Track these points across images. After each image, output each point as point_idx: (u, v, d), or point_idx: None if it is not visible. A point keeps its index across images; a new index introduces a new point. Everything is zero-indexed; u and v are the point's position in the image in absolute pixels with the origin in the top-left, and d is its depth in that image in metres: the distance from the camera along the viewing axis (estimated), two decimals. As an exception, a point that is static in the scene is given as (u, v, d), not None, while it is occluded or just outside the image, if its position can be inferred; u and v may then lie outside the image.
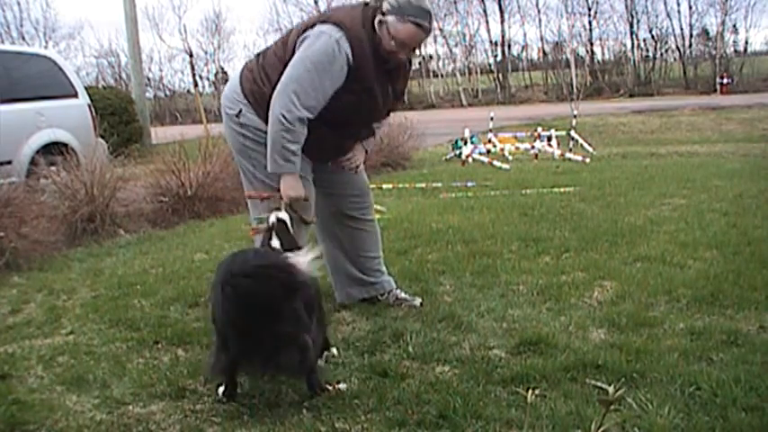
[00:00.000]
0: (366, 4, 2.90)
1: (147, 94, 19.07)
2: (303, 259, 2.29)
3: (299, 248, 2.62)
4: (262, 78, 2.95)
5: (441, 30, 33.84)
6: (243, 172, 3.13)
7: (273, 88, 2.84)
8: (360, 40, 2.81)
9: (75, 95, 7.44)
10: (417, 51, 2.97)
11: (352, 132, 3.08)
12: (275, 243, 2.66)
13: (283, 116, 2.76)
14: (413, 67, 3.19)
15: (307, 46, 2.81)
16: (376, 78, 2.89)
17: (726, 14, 31.02)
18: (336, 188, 3.24)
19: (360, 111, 2.94)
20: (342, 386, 2.44)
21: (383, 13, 2.82)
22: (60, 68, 7.49)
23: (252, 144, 3.00)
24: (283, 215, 2.78)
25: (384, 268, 3.40)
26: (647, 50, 33.10)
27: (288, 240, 2.69)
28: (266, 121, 2.86)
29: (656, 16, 32.62)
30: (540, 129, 11.87)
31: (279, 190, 2.89)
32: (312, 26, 2.85)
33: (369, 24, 2.83)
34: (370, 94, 2.90)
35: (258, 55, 3.09)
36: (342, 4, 3.20)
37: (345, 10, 2.94)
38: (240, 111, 2.99)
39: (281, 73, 2.83)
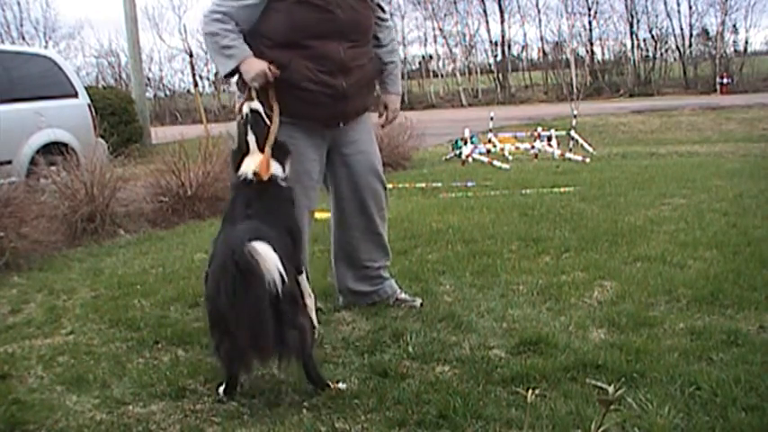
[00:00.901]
0: None
1: (147, 94, 19.06)
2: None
3: (276, 142, 2.68)
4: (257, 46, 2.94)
5: (441, 30, 33.88)
6: None
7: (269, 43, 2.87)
8: None
9: (75, 95, 7.44)
10: None
11: (327, 56, 2.89)
12: (251, 138, 2.67)
13: (206, 24, 2.85)
14: None
15: None
16: None
17: (726, 14, 31.05)
18: (355, 165, 3.16)
19: (314, 23, 2.84)
20: (342, 386, 2.44)
21: None
22: (60, 68, 7.49)
23: None
24: (256, 105, 2.75)
25: (387, 273, 3.39)
26: (647, 50, 33.11)
27: (262, 132, 2.69)
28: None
29: (656, 16, 32.63)
30: (540, 129, 11.88)
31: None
32: None
33: None
34: (324, 7, 2.83)
35: None
36: None
37: None
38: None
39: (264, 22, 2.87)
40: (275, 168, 2.67)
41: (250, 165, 2.65)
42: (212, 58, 2.92)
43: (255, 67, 2.80)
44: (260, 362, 2.37)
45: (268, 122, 2.74)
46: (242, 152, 2.70)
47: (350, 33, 2.94)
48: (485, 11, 33.61)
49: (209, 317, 2.37)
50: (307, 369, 2.39)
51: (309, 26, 2.85)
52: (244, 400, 2.41)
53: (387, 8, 3.22)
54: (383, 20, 3.17)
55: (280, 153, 2.72)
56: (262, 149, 2.67)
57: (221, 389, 2.43)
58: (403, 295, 3.35)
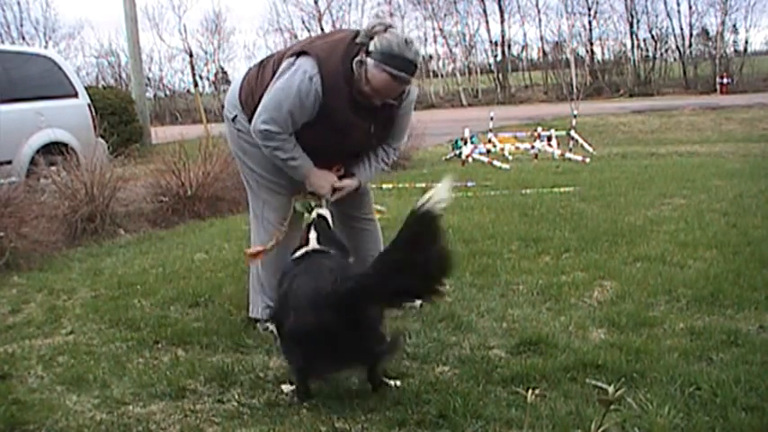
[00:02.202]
0: (356, 35, 2.79)
1: (147, 94, 19.07)
2: None
3: (340, 246, 2.72)
4: (255, 93, 2.94)
5: (441, 30, 33.87)
6: (242, 170, 3.16)
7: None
8: (334, 76, 2.73)
9: (75, 95, 7.45)
10: (401, 96, 2.87)
11: (334, 159, 2.98)
12: (312, 237, 2.68)
13: (262, 138, 2.82)
14: (405, 111, 2.99)
15: (283, 76, 2.79)
16: (349, 116, 2.80)
17: (726, 14, 31.02)
18: None
19: (329, 141, 2.87)
20: (392, 382, 2.45)
21: (367, 53, 2.69)
22: (60, 68, 7.49)
23: (249, 146, 3.02)
24: (325, 212, 2.83)
25: None
26: (647, 50, 33.08)
27: (327, 237, 2.71)
28: None
29: (656, 16, 32.60)
30: (540, 129, 11.87)
31: (278, 182, 2.97)
32: (297, 54, 2.81)
33: (349, 62, 2.74)
34: (341, 131, 2.84)
35: (261, 63, 3.06)
36: (334, 31, 3.09)
37: (331, 42, 2.84)
38: (236, 116, 3.03)
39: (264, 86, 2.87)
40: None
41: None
42: (272, 157, 2.90)
43: (325, 182, 2.90)
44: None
45: (332, 225, 2.82)
46: (301, 243, 2.72)
47: (360, 150, 3.03)
48: (485, 11, 33.62)
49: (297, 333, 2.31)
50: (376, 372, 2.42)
51: (334, 146, 2.91)
52: (244, 400, 2.41)
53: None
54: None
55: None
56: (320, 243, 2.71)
57: (290, 390, 2.41)
58: None
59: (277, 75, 2.83)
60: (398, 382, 2.46)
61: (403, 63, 2.68)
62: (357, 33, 2.79)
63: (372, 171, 3.08)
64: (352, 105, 2.79)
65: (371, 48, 2.69)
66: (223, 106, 3.18)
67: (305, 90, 2.73)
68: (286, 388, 2.46)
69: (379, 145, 3.05)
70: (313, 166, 2.90)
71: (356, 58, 2.72)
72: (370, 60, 2.68)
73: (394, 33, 2.71)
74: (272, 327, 2.98)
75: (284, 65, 2.83)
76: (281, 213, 3.04)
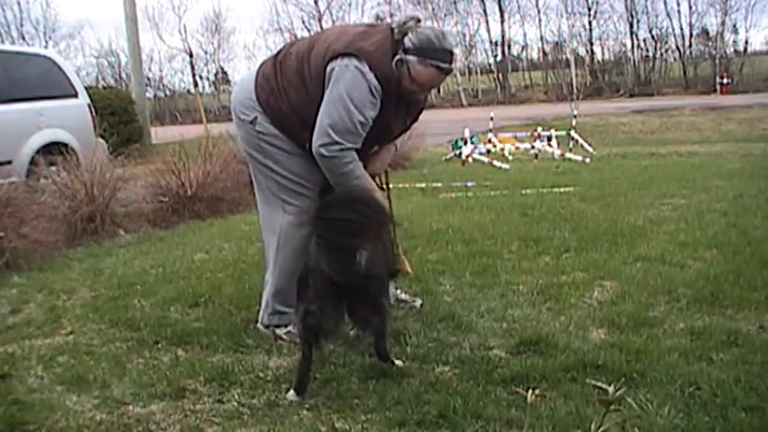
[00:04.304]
0: (391, 30, 2.76)
1: (147, 94, 19.06)
2: None
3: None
4: (280, 93, 2.85)
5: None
6: (259, 169, 3.01)
7: (292, 107, 2.82)
8: (387, 78, 2.72)
9: (75, 95, 7.44)
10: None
11: (368, 151, 2.96)
12: None
13: (323, 152, 2.72)
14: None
15: (337, 83, 2.70)
16: (395, 114, 2.82)
17: (726, 14, 31.06)
18: None
19: (374, 140, 2.87)
20: (399, 363, 2.60)
21: (405, 51, 2.69)
22: (60, 68, 7.49)
23: (269, 147, 2.92)
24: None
25: None
26: (647, 50, 33.11)
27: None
28: (284, 132, 2.87)
29: (656, 16, 32.63)
30: (540, 129, 11.87)
31: (303, 183, 2.93)
32: (340, 55, 2.71)
33: (392, 62, 2.73)
34: (387, 130, 2.87)
35: (276, 59, 2.95)
36: (367, 27, 2.91)
37: (377, 42, 2.76)
38: (256, 118, 2.90)
39: (302, 92, 2.80)
40: None
41: None
42: (335, 181, 2.81)
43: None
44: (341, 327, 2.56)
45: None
46: None
47: (393, 140, 3.06)
48: (485, 11, 33.66)
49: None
50: (380, 348, 2.59)
51: (375, 140, 2.89)
52: (244, 400, 2.41)
53: None
54: None
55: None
56: None
57: (290, 394, 2.43)
58: (403, 296, 3.35)
59: (331, 80, 2.72)
60: (401, 362, 2.58)
61: (445, 54, 2.72)
62: (392, 30, 2.77)
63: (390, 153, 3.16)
64: (398, 103, 2.81)
65: (408, 44, 2.70)
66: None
67: (375, 90, 2.69)
68: (290, 395, 2.43)
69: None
70: (371, 181, 2.86)
71: (395, 57, 2.72)
72: (411, 57, 2.69)
73: (428, 26, 2.76)
74: (280, 332, 3.00)
75: (333, 66, 2.71)
76: (301, 214, 2.95)
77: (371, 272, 2.41)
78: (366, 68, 2.68)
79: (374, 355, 2.72)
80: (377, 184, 3.00)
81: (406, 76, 2.72)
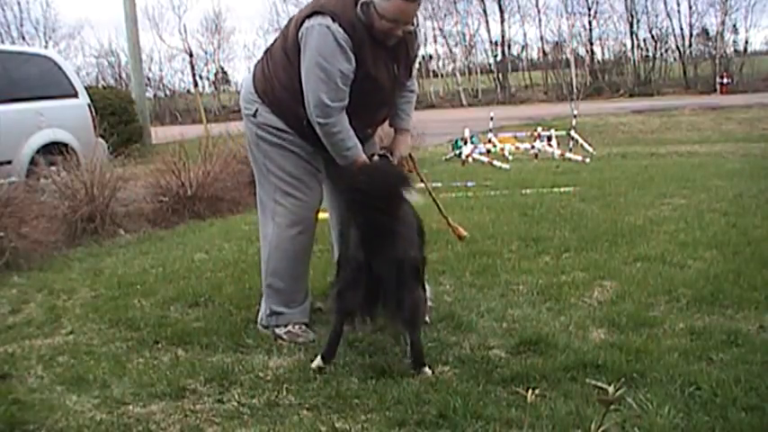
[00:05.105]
0: None
1: (147, 94, 19.04)
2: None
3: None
4: (272, 78, 2.95)
5: (441, 30, 33.87)
6: (258, 167, 3.10)
7: (283, 86, 2.88)
8: (353, 25, 2.74)
9: (75, 95, 7.44)
10: (414, 21, 2.88)
11: (367, 117, 3.00)
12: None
13: (320, 121, 2.79)
14: (417, 38, 3.01)
15: (307, 45, 2.78)
16: (375, 62, 2.82)
17: (726, 14, 31.00)
18: None
19: (365, 96, 2.86)
20: (428, 370, 2.56)
21: None
22: (60, 68, 7.49)
23: (267, 144, 3.00)
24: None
25: None
26: (647, 50, 33.06)
27: None
28: (282, 119, 2.93)
29: (656, 16, 32.55)
30: (540, 129, 11.86)
31: (292, 181, 2.98)
32: (306, 18, 2.79)
33: (360, 10, 2.75)
34: (370, 79, 2.83)
35: (266, 52, 3.08)
36: None
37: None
38: (257, 110, 3.00)
39: (288, 68, 2.85)
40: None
41: None
42: (329, 147, 2.88)
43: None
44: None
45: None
46: None
47: (392, 102, 3.05)
48: (485, 11, 33.59)
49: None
50: (414, 342, 2.60)
51: (366, 99, 2.88)
52: (244, 400, 2.41)
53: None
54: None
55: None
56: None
57: (316, 362, 2.61)
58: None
59: (302, 45, 2.79)
60: (429, 371, 2.57)
61: None
62: None
63: (410, 113, 3.18)
64: (375, 50, 2.80)
65: None
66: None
67: (341, 39, 2.71)
68: (316, 362, 2.61)
69: (400, 91, 3.07)
70: (360, 154, 2.88)
71: (359, 4, 2.74)
72: None
73: None
74: (279, 332, 3.00)
75: (301, 31, 2.79)
76: (292, 215, 3.01)
77: (406, 254, 2.58)
78: (329, 21, 2.73)
79: (374, 355, 2.73)
80: (407, 169, 3.13)
81: (375, 17, 2.73)
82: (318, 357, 2.62)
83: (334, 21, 2.72)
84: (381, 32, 2.77)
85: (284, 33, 2.96)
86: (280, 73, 2.91)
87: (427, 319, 3.02)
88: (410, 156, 3.24)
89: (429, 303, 3.04)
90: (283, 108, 2.92)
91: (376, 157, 2.97)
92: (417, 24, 2.96)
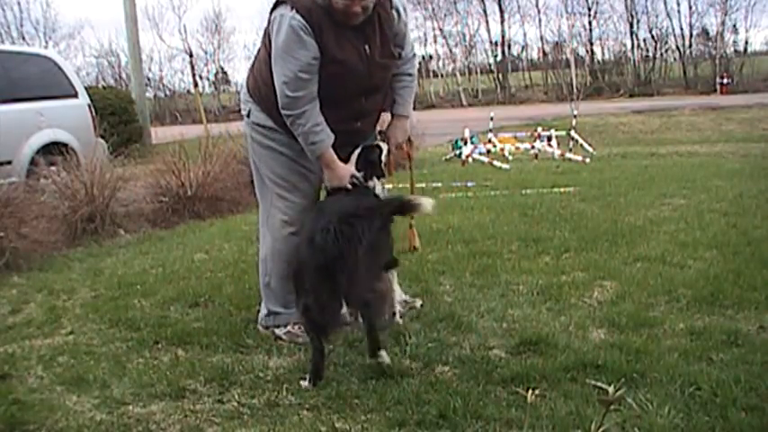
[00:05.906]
0: None
1: (147, 94, 19.04)
2: None
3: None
4: (259, 76, 2.98)
5: (441, 30, 33.86)
6: (254, 169, 3.16)
7: (265, 82, 2.90)
8: (308, 9, 2.73)
9: (75, 95, 7.44)
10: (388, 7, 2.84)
11: (349, 107, 2.94)
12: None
13: (285, 112, 2.81)
14: (401, 16, 2.94)
15: (272, 38, 2.79)
16: (340, 45, 2.78)
17: (726, 14, 30.97)
18: None
19: (335, 81, 2.82)
20: (386, 358, 2.57)
21: None
22: (60, 68, 7.49)
23: (259, 147, 3.05)
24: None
25: None
26: (647, 50, 33.03)
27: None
28: (271, 117, 2.94)
29: (656, 16, 32.52)
30: (540, 129, 11.85)
31: (283, 183, 3.01)
32: (273, 8, 2.81)
33: None
34: (337, 63, 2.79)
35: (255, 57, 3.11)
36: None
37: None
38: (250, 110, 3.05)
39: (269, 63, 2.85)
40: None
41: None
42: (298, 137, 2.87)
43: (338, 176, 2.90)
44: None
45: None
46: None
47: (376, 88, 2.98)
48: (485, 11, 33.56)
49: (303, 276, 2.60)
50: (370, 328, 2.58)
51: (340, 84, 2.85)
52: (244, 400, 2.41)
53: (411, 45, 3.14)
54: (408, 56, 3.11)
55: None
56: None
57: (304, 382, 2.52)
58: (403, 296, 3.35)
59: (271, 42, 2.81)
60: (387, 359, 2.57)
61: None
62: None
63: (407, 98, 3.12)
64: (339, 32, 2.77)
65: None
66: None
67: (296, 27, 2.70)
68: (304, 384, 2.51)
69: (391, 71, 3.00)
70: (331, 150, 2.86)
71: None
72: None
73: None
74: (279, 332, 3.00)
75: (270, 27, 2.81)
76: (284, 216, 3.02)
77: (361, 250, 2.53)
78: (287, 10, 2.73)
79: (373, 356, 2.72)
80: (385, 168, 3.08)
81: None
82: (307, 381, 2.51)
83: (291, 9, 2.72)
84: (340, 12, 2.73)
85: (266, 29, 2.97)
86: (263, 69, 2.93)
87: (399, 319, 3.04)
88: (409, 140, 3.25)
89: (398, 308, 3.09)
90: (269, 105, 2.93)
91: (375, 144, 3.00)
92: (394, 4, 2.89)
